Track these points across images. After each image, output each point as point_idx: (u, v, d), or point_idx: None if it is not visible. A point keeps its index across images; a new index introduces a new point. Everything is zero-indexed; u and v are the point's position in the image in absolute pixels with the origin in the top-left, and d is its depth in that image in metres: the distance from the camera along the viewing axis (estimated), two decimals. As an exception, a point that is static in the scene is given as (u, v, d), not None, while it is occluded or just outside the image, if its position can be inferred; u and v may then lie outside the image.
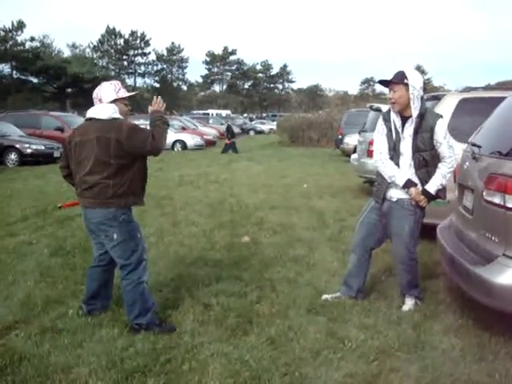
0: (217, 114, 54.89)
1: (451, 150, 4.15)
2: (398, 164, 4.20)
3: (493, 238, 3.56)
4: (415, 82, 4.06)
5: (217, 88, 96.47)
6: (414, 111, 4.08)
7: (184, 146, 26.88)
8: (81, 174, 3.81)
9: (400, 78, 4.07)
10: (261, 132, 52.50)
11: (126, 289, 3.88)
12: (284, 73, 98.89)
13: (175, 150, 26.42)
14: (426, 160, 4.14)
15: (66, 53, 67.76)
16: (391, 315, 4.12)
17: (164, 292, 4.63)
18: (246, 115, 75.77)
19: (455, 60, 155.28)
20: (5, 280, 4.92)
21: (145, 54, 78.98)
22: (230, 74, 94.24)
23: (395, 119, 4.20)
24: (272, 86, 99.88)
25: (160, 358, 3.39)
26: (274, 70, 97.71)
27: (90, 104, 3.91)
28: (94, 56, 72.75)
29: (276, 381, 3.13)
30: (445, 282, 4.88)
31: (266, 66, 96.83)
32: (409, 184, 4.14)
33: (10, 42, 57.98)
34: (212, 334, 3.76)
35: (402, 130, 4.17)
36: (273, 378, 3.16)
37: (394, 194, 4.25)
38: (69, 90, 61.11)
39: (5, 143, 17.46)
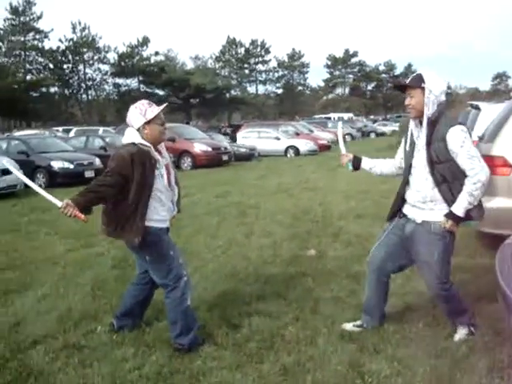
0: (338, 118, 54.19)
1: (473, 161, 3.45)
2: (409, 178, 3.73)
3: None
4: (433, 85, 3.51)
5: (339, 91, 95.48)
6: (425, 117, 3.55)
7: (297, 151, 26.80)
8: None
9: (416, 82, 3.56)
10: (382, 134, 50.92)
11: (168, 307, 3.81)
12: (409, 72, 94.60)
13: (288, 156, 26.41)
14: (444, 175, 3.53)
15: (190, 65, 71.10)
16: (435, 346, 3.62)
17: (200, 310, 4.44)
18: (372, 117, 74.16)
19: None
20: (57, 293, 5.06)
21: (266, 62, 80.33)
22: (352, 76, 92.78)
23: (413, 128, 3.70)
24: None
25: (160, 384, 3.24)
26: (398, 70, 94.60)
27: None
28: (216, 66, 75.28)
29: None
30: None
31: (390, 67, 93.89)
32: None
33: (137, 58, 62.10)
34: (225, 360, 3.54)
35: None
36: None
37: (418, 214, 3.69)
38: (192, 100, 63.97)
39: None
